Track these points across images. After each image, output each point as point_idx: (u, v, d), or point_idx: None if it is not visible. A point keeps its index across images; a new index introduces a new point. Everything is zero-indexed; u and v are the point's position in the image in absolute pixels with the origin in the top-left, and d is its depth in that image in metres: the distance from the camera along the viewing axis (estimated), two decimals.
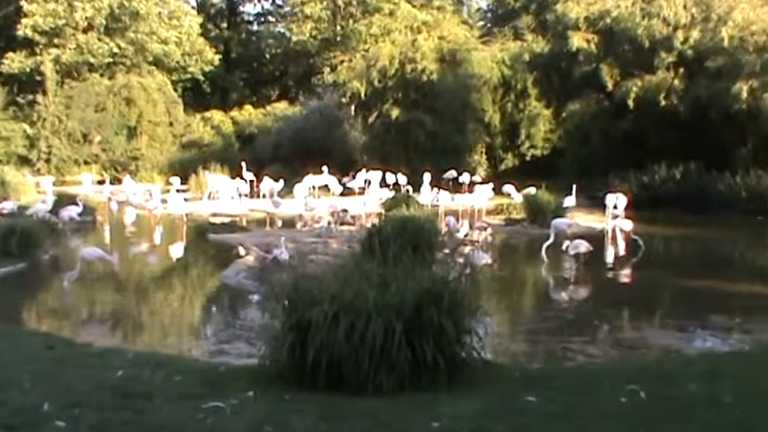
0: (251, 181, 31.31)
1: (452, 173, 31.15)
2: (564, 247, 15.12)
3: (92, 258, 13.38)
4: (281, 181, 29.32)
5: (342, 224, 21.35)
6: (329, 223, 21.76)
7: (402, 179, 29.56)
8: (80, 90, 43.95)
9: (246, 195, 29.07)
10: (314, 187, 28.90)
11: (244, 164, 31.62)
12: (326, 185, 29.55)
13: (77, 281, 12.72)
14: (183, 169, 37.86)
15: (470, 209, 24.75)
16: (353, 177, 30.87)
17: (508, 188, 26.32)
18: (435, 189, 25.72)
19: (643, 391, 6.37)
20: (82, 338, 9.31)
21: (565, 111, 33.15)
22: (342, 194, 29.04)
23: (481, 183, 28.27)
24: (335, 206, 22.89)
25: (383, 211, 21.82)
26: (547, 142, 34.94)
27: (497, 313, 11.10)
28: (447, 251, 13.76)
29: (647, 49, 29.66)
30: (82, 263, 12.98)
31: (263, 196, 29.03)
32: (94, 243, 16.95)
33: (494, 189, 26.26)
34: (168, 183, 35.29)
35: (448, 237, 16.22)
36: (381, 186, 27.96)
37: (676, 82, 28.80)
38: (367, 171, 30.46)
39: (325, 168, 29.54)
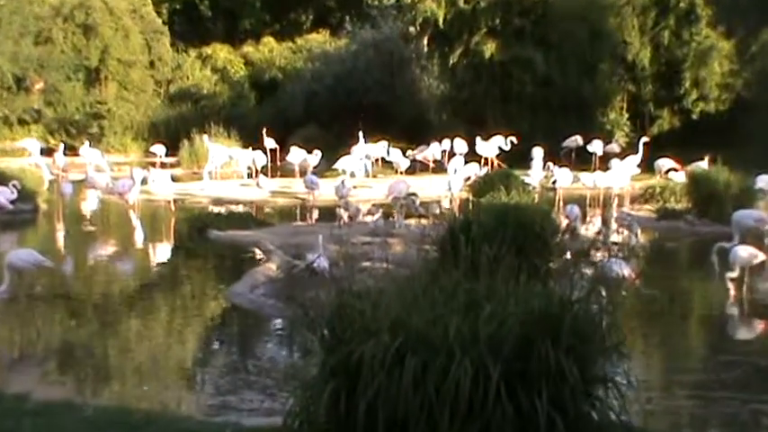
0: (272, 151, 31.62)
1: (577, 139, 31.00)
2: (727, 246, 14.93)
3: (25, 266, 13.34)
4: (318, 152, 29.58)
5: (408, 216, 21.37)
6: (389, 216, 21.80)
7: (497, 146, 29.51)
8: (10, 12, 44.44)
9: (266, 173, 29.35)
10: (369, 160, 29.03)
11: (264, 131, 31.93)
12: (386, 158, 29.68)
13: (7, 301, 12.79)
14: (171, 133, 38.41)
15: (605, 194, 24.54)
16: (426, 146, 30.94)
17: (664, 162, 26.05)
18: (550, 164, 25.57)
19: None
20: (14, 388, 9.47)
21: (756, 43, 32.59)
22: (409, 172, 29.10)
23: (622, 154, 28.04)
24: (400, 189, 22.92)
25: (471, 198, 21.76)
26: (725, 91, 34.43)
27: (646, 354, 10.99)
28: (569, 257, 13.65)
29: None
30: (11, 273, 12.95)
31: (292, 174, 29.29)
32: (35, 243, 17.22)
33: (641, 164, 25.97)
34: (149, 153, 35.87)
35: (570, 236, 16.08)
36: (468, 161, 27.94)
37: None
38: (447, 138, 30.48)
39: (361, 135, 29.66)
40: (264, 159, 30.08)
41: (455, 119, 35.28)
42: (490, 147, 29.95)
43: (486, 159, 29.61)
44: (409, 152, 30.47)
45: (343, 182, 23.57)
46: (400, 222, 20.35)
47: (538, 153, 27.36)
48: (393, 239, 17.64)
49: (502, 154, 29.80)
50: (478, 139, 29.84)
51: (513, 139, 29.76)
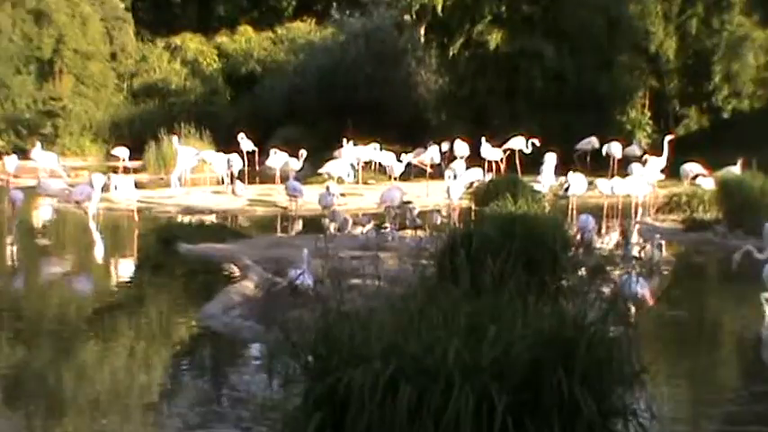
0: (250, 154, 31.62)
1: (592, 141, 31.04)
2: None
3: None
4: (303, 154, 29.56)
5: (403, 227, 21.39)
6: (381, 227, 21.79)
7: (502, 149, 29.54)
8: None
9: (242, 179, 29.35)
10: (357, 165, 29.07)
11: (241, 132, 31.96)
12: (378, 162, 29.71)
13: None
14: (135, 134, 38.46)
15: (624, 203, 24.55)
16: (424, 149, 30.96)
17: (691, 167, 26.06)
18: (563, 178, 25.61)
19: None
20: None
21: None
22: (404, 178, 29.13)
23: (643, 158, 28.07)
24: (393, 197, 22.94)
25: (473, 206, 21.79)
26: (761, 86, 34.50)
27: (671, 383, 10.99)
28: (583, 274, 13.67)
29: None
30: None
31: (272, 180, 29.29)
32: None
33: (665, 169, 25.98)
34: (110, 156, 35.87)
35: (584, 249, 16.10)
36: (470, 165, 27.98)
37: None
38: (447, 139, 30.52)
39: (348, 137, 29.72)
40: (241, 163, 30.03)
41: (456, 118, 35.33)
42: (495, 150, 30.03)
43: (490, 163, 29.66)
44: (404, 155, 30.48)
45: (327, 188, 23.54)
46: (394, 234, 20.35)
47: (549, 157, 27.38)
48: (386, 253, 17.59)
49: (520, 157, 29.87)
50: (483, 140, 29.89)
51: (536, 141, 29.80)
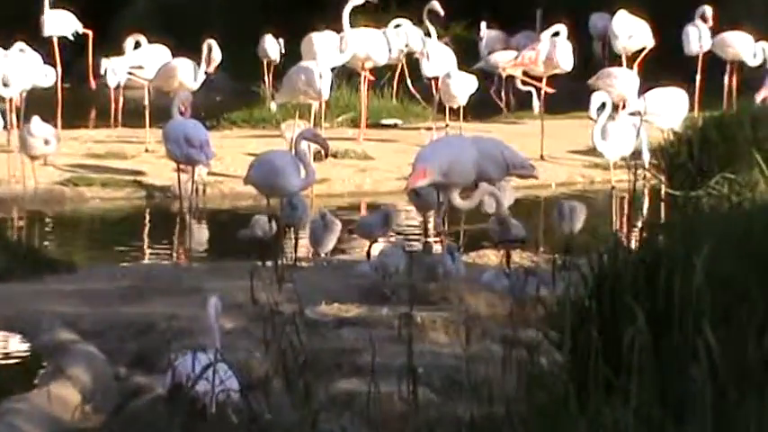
0: (68, 50, 32.00)
1: None
2: None
3: None
4: (210, 45, 29.71)
5: (473, 245, 21.59)
6: (426, 244, 22.01)
7: None
8: None
9: (52, 118, 29.62)
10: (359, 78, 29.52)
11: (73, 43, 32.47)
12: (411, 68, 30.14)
13: None
14: None
15: None
16: (529, 40, 31.41)
17: None
18: None
19: None
20: None
21: None
22: (472, 113, 29.53)
23: None
24: (445, 161, 23.04)
25: (665, 188, 22.05)
26: None
27: None
28: None
29: None
30: None
31: (131, 117, 29.65)
32: None
33: None
34: None
35: None
36: (651, 83, 28.22)
37: None
38: (583, 13, 30.97)
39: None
40: (51, 75, 30.20)
41: None
42: (727, 37, 30.30)
43: (703, 77, 29.88)
44: (484, 58, 30.88)
45: (297, 140, 22.83)
46: (448, 263, 20.39)
47: None
48: (427, 312, 17.69)
49: None
50: (700, 21, 30.17)
51: None
